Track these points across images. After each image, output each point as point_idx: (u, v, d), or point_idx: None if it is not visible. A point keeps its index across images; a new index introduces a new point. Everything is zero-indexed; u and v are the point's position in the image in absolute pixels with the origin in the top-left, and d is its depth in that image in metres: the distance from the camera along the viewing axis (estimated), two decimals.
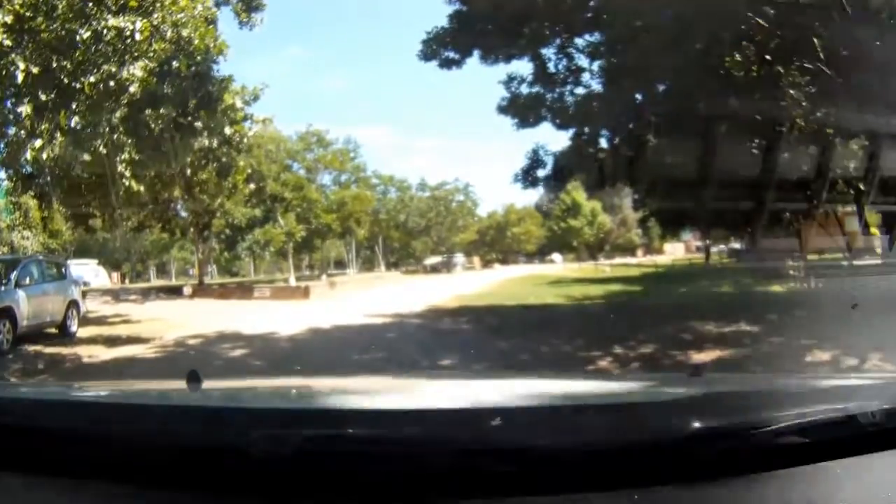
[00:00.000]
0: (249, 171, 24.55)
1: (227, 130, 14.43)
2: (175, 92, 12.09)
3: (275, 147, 36.74)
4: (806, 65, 9.57)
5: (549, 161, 15.37)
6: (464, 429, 1.09)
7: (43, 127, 9.41)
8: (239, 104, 15.21)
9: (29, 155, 9.49)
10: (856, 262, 16.13)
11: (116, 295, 25.67)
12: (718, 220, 20.79)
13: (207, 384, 1.57)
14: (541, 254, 57.67)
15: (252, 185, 28.36)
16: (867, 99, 9.16)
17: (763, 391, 1.45)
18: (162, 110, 12.05)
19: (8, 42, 9.07)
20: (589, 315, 14.54)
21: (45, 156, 9.43)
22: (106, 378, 7.77)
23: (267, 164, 34.24)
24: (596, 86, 13.85)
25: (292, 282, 33.49)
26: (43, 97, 9.42)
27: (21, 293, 11.16)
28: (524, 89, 14.31)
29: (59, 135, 9.46)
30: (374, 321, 13.30)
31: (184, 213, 26.42)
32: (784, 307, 11.98)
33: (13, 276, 11.27)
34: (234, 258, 46.99)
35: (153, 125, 12.11)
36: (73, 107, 9.67)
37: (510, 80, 14.31)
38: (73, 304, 12.97)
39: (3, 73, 9.17)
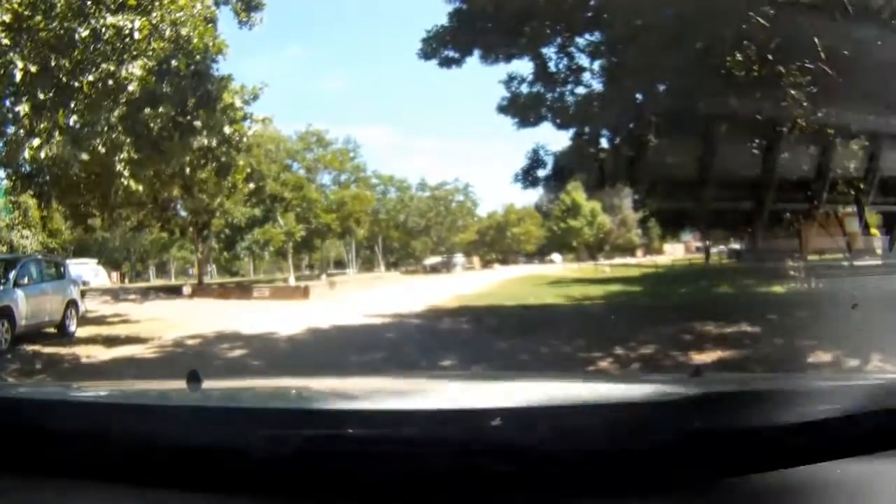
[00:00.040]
0: (249, 170, 24.52)
1: (227, 130, 14.40)
2: (174, 91, 12.09)
3: (274, 147, 36.75)
4: (807, 65, 9.55)
5: (549, 161, 15.33)
6: (464, 429, 1.09)
7: (41, 126, 9.39)
8: (238, 103, 15.19)
9: (27, 154, 9.46)
10: (856, 263, 16.13)
11: (115, 294, 25.66)
12: (718, 221, 20.75)
13: (207, 384, 1.57)
14: (540, 254, 57.72)
15: (251, 185, 28.35)
16: (868, 99, 9.15)
17: (763, 391, 1.45)
18: (161, 109, 12.06)
19: (6, 41, 9.05)
20: (589, 315, 14.54)
21: (43, 155, 9.40)
22: (105, 378, 7.77)
23: (266, 163, 34.22)
24: (596, 85, 13.86)
25: (292, 282, 33.49)
26: (41, 96, 9.39)
27: (19, 292, 11.16)
28: (524, 89, 14.30)
29: (57, 134, 9.43)
30: (373, 321, 13.30)
31: (183, 213, 26.39)
32: (784, 308, 12.00)
33: (12, 275, 11.27)
34: (233, 258, 46.99)
35: (152, 124, 12.11)
36: (72, 106, 9.64)
37: (510, 80, 14.30)
38: (71, 303, 12.96)
39: (2, 71, 9.15)
